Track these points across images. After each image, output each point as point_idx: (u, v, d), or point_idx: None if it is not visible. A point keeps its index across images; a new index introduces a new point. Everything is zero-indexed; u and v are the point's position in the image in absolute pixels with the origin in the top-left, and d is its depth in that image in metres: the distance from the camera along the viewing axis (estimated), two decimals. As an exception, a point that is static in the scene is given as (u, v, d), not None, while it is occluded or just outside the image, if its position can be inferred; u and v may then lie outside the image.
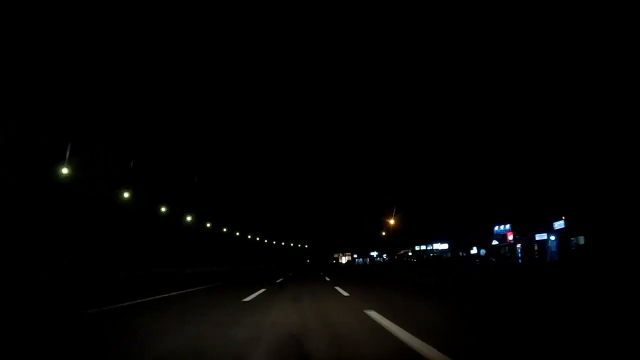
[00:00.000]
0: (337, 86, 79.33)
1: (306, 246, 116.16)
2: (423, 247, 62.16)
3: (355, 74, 74.86)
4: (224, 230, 55.39)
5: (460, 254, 43.81)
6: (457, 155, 45.08)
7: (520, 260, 30.74)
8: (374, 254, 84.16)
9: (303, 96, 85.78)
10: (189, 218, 40.18)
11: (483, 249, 38.52)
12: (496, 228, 35.89)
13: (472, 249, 42.36)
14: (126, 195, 26.58)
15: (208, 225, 48.07)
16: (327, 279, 17.56)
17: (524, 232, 30.91)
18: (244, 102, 77.10)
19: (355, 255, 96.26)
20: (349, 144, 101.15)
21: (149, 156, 33.13)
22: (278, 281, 16.05)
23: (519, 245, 32.21)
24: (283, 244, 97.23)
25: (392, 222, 62.18)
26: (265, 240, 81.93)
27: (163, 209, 34.87)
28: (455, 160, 45.68)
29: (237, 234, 61.77)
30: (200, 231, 45.72)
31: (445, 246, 51.84)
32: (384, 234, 74.37)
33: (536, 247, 29.88)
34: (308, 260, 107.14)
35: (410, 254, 66.10)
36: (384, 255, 79.87)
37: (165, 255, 31.15)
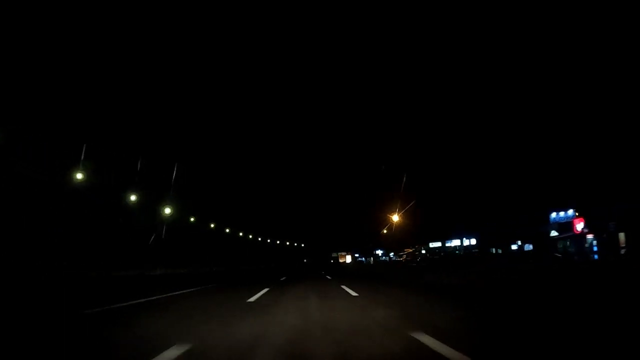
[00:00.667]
0: (336, 78, 74.29)
1: (303, 245, 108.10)
2: (438, 244, 53.98)
3: (356, 64, 68.71)
4: (212, 226, 47.73)
5: (494, 250, 35.47)
6: (487, 126, 36.90)
7: (596, 256, 22.64)
8: (379, 252, 75.60)
9: (301, 87, 77.91)
10: (167, 210, 33.18)
11: (529, 243, 30.28)
12: (553, 215, 27.62)
13: (515, 243, 34.06)
14: (132, 198, 25.45)
15: (192, 219, 41.66)
16: (352, 292, 9.07)
17: (602, 218, 22.66)
18: (241, 99, 71.19)
19: (357, 255, 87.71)
20: (348, 135, 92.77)
21: (148, 155, 31.27)
22: (254, 298, 7.79)
23: (591, 236, 24.06)
24: (278, 242, 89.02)
25: (396, 218, 54.25)
26: (259, 239, 73.71)
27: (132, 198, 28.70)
28: (484, 133, 37.51)
29: (227, 230, 54.38)
30: (194, 230, 40.27)
31: (472, 242, 43.31)
32: (385, 232, 67.51)
33: (623, 237, 21.65)
34: (305, 260, 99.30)
35: (423, 251, 57.73)
36: (391, 254, 71.46)
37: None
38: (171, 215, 33.79)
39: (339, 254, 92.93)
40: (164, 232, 34.35)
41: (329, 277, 16.58)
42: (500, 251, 34.46)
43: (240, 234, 62.30)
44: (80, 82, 24.95)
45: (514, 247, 33.54)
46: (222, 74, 59.48)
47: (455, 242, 48.78)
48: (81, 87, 24.95)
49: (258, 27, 55.07)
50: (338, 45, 64.80)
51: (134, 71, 30.93)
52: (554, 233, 27.21)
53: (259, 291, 9.18)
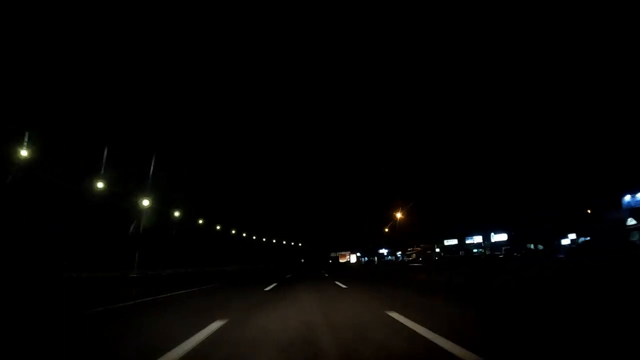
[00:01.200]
0: (336, 76, 69.22)
1: (300, 244, 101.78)
2: (454, 242, 47.67)
3: (355, 63, 64.75)
4: (202, 223, 42.58)
5: (532, 246, 29.21)
6: (514, 98, 30.72)
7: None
8: (384, 251, 69.15)
9: (301, 86, 73.48)
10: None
11: (586, 236, 24.05)
12: (627, 199, 21.43)
13: (564, 237, 27.81)
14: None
15: (200, 221, 40.25)
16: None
17: None
18: (240, 97, 67.17)
19: (359, 254, 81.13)
20: (349, 132, 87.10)
21: (146, 154, 31.00)
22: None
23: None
24: (274, 241, 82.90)
25: (399, 215, 48.83)
26: (254, 237, 67.62)
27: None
28: (511, 107, 31.31)
29: (218, 227, 49.17)
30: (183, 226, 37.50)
31: (502, 237, 36.83)
32: (387, 230, 62.31)
33: None
34: (302, 260, 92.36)
35: (437, 250, 51.41)
36: (398, 253, 65.01)
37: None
38: (168, 214, 31.77)
39: (340, 253, 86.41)
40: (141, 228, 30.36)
41: (341, 285, 10.17)
42: (540, 247, 28.23)
43: (233, 231, 57.37)
44: (83, 82, 24.47)
45: (565, 241, 27.35)
46: (222, 73, 56.86)
47: (477, 239, 42.44)
48: (82, 87, 24.38)
49: (258, 27, 53.27)
50: (338, 46, 61.76)
51: (135, 71, 30.22)
52: (632, 222, 20.93)
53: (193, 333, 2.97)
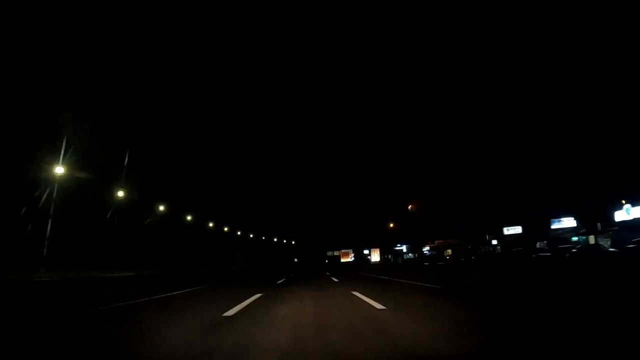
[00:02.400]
0: (336, 74, 67.52)
1: (293, 242, 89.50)
2: (516, 230, 34.03)
3: (355, 61, 62.43)
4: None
5: None
6: None
7: None
8: (403, 248, 55.96)
9: (300, 82, 70.83)
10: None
11: None
12: None
13: None
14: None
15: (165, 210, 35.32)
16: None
17: None
18: (239, 95, 66.85)
19: (366, 252, 68.49)
20: (350, 123, 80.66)
21: (143, 152, 29.99)
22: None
23: None
24: (263, 238, 71.14)
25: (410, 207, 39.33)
26: (239, 233, 55.35)
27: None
28: None
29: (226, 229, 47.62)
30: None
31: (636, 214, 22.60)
32: (391, 226, 52.69)
33: None
34: (296, 260, 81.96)
35: (494, 242, 37.99)
36: (426, 249, 51.45)
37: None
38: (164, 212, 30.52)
39: (342, 252, 73.34)
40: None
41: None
42: None
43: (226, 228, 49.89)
44: (77, 74, 23.45)
45: None
46: (222, 72, 57.51)
47: (568, 222, 28.98)
48: (78, 79, 23.41)
49: (258, 26, 55.12)
50: (338, 44, 61.69)
51: (133, 66, 29.54)
52: None
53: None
